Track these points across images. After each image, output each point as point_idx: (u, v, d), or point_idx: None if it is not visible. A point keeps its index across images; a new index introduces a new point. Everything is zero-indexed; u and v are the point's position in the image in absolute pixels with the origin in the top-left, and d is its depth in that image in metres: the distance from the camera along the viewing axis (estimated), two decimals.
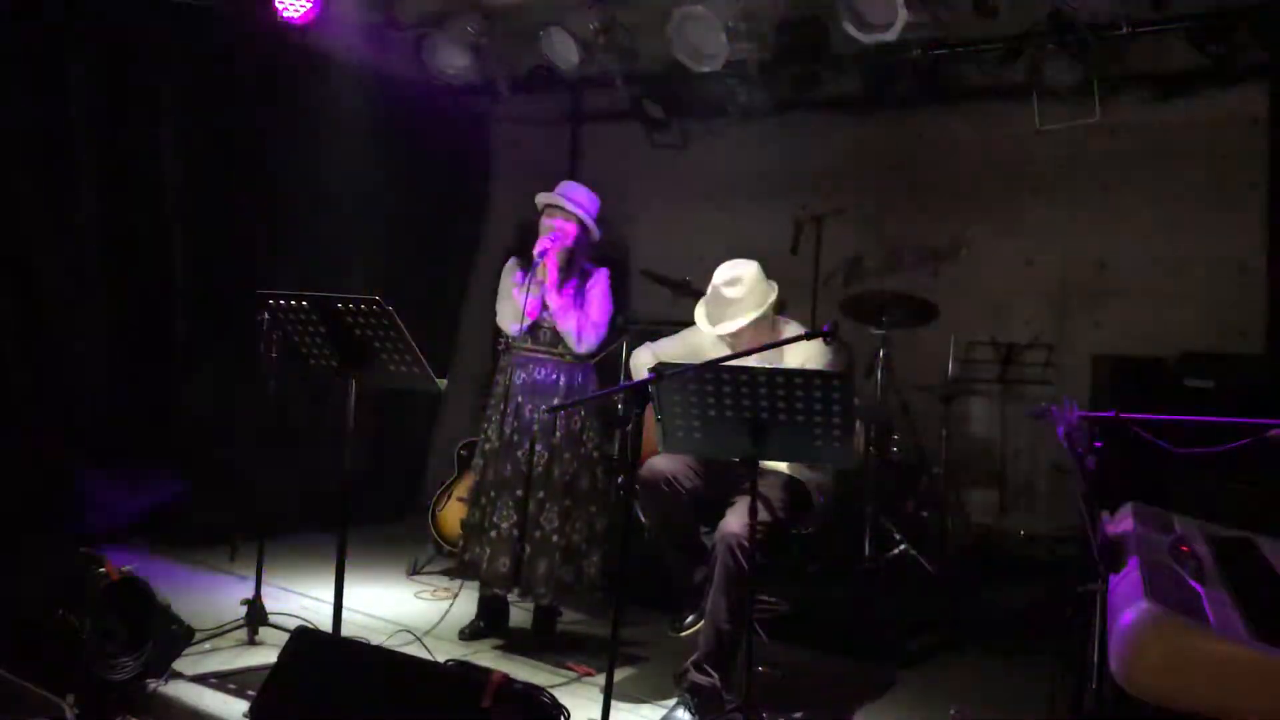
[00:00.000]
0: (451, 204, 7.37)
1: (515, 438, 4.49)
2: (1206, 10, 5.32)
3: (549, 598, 4.51)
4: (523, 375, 4.54)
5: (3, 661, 3.58)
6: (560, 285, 4.47)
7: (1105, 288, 6.19)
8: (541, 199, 4.57)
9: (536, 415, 4.47)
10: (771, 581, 4.85)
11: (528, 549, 4.43)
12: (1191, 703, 2.19)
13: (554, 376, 4.52)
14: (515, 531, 4.43)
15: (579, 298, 4.49)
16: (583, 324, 4.45)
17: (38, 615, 3.60)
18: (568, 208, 4.49)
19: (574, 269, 4.54)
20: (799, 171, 7.12)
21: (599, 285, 4.54)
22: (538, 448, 4.46)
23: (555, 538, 4.44)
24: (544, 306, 4.47)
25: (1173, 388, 5.56)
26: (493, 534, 4.46)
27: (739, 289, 4.04)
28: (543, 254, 4.37)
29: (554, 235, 4.44)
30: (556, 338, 4.51)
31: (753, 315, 4.02)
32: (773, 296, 4.10)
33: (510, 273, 4.57)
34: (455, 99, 7.13)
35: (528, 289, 4.40)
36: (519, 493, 4.45)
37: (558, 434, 4.48)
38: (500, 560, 4.44)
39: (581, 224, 4.51)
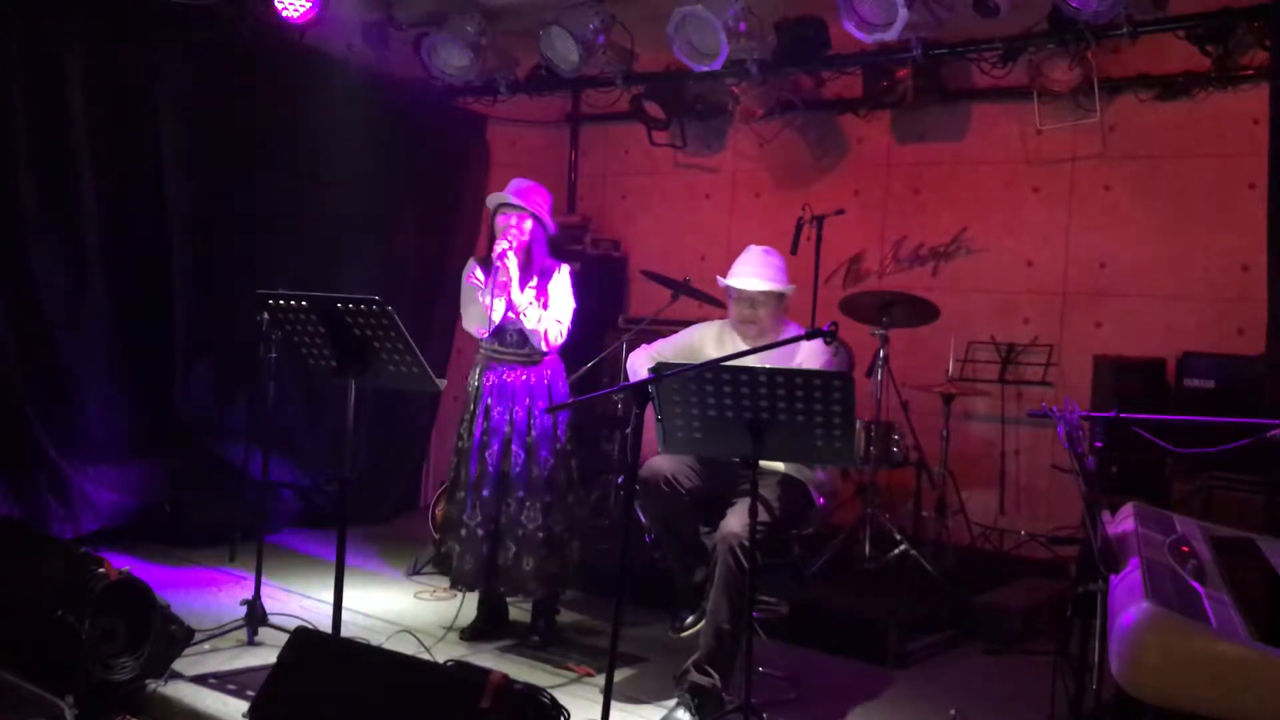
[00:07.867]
0: (451, 204, 7.36)
1: (485, 439, 4.50)
2: (1206, 10, 5.32)
3: (540, 592, 4.54)
4: (492, 378, 4.54)
5: (3, 661, 3.58)
6: (523, 284, 4.43)
7: (1105, 288, 6.18)
8: (492, 200, 4.55)
9: (509, 417, 4.48)
10: (771, 581, 4.86)
11: (512, 548, 4.45)
12: (1191, 703, 2.19)
13: (523, 378, 4.52)
14: (481, 531, 4.45)
15: (542, 295, 4.47)
16: (547, 323, 4.44)
17: (38, 615, 3.59)
18: (517, 202, 4.46)
19: (534, 265, 4.49)
20: (799, 171, 7.12)
21: (561, 282, 4.51)
22: (514, 447, 4.47)
23: (540, 534, 4.47)
24: (509, 307, 4.42)
25: (1173, 388, 5.57)
26: (462, 532, 4.49)
27: (776, 259, 4.29)
28: (501, 256, 4.33)
29: (510, 234, 4.40)
30: (523, 339, 4.49)
31: (782, 286, 4.22)
32: (794, 288, 4.32)
33: (470, 274, 4.51)
34: (455, 99, 7.13)
35: (491, 292, 4.37)
36: (485, 493, 4.46)
37: (533, 433, 4.49)
38: (466, 558, 4.47)
39: (535, 218, 4.47)
